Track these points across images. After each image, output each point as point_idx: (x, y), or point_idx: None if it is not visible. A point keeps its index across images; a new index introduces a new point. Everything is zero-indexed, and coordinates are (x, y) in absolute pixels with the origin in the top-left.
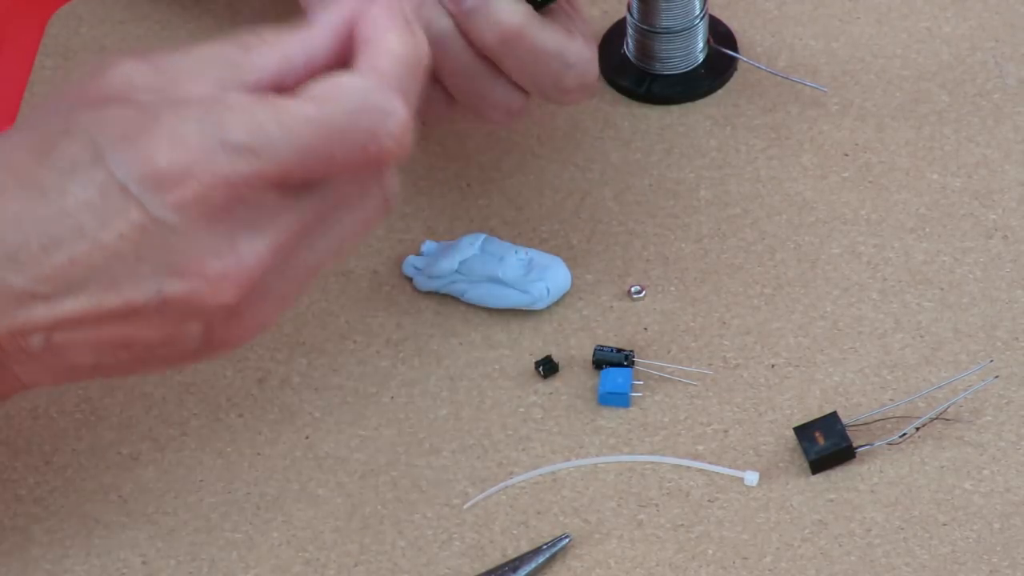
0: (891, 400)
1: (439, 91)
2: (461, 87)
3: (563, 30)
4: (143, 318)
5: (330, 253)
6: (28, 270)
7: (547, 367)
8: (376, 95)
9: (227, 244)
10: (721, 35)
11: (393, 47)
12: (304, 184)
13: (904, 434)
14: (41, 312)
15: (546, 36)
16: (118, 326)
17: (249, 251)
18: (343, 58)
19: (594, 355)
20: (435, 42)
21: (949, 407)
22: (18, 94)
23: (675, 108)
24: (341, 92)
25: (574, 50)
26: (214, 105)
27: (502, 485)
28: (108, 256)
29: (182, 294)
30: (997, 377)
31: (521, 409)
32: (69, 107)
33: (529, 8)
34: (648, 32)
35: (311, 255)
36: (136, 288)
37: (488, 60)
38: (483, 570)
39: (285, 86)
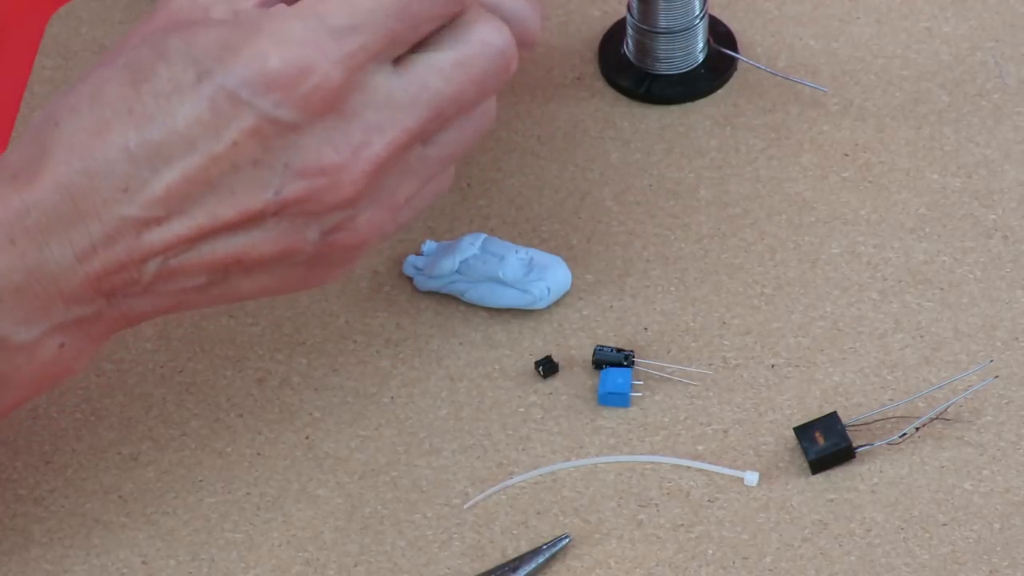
0: (891, 400)
1: None
2: None
3: None
4: (259, 227)
5: (444, 160)
6: (139, 196)
7: (547, 367)
8: None
9: (343, 137)
10: (721, 35)
11: None
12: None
13: (904, 434)
14: (156, 236)
15: None
16: (233, 239)
17: (366, 144)
18: None
19: (594, 355)
20: None
21: (949, 407)
22: (18, 94)
23: (675, 108)
24: None
25: (509, 4)
26: (311, 5)
27: (502, 485)
28: (222, 166)
29: (300, 192)
30: (997, 377)
31: (521, 409)
32: (152, 37)
33: None
34: (648, 32)
35: (425, 159)
36: (252, 195)
37: None
38: (483, 570)
39: None
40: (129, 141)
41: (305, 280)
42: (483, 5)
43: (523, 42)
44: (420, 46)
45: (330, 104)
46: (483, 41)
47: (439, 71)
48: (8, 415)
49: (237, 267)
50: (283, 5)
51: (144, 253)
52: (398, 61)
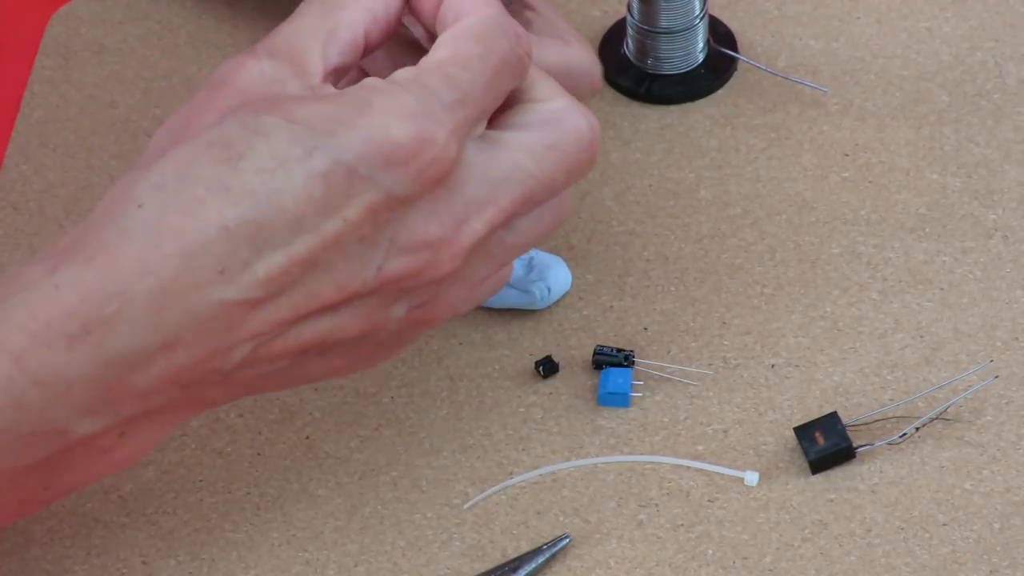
0: (891, 400)
1: None
2: None
3: (558, 40)
4: (351, 306)
5: (519, 247)
6: (238, 279)
7: (547, 367)
8: (509, 21)
9: (447, 210)
10: (721, 35)
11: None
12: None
13: (904, 434)
14: (251, 322)
15: (547, 55)
16: (323, 321)
17: (467, 219)
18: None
19: (594, 355)
20: None
21: (949, 407)
22: (18, 94)
23: (675, 108)
24: (487, 23)
25: (576, 57)
26: (414, 79)
27: (502, 485)
28: (330, 245)
29: (402, 269)
30: (997, 377)
31: (521, 409)
32: (236, 115)
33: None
34: (648, 32)
35: (503, 244)
36: (354, 273)
37: None
38: (483, 570)
39: (371, 39)
40: (228, 220)
41: (370, 359)
42: (553, 59)
43: (596, 89)
44: (497, 122)
45: (443, 177)
46: (576, 129)
47: (531, 153)
48: (58, 499)
49: (318, 350)
50: (378, 79)
51: (235, 340)
52: (481, 136)
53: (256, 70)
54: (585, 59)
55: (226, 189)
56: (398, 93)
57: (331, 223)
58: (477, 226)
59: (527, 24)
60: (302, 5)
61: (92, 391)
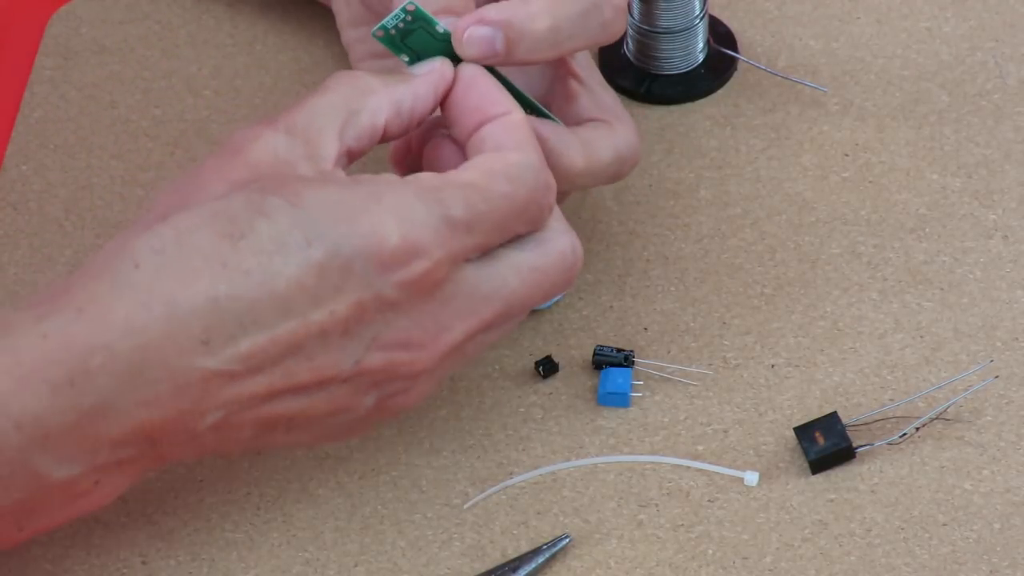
0: (891, 400)
1: None
2: None
3: (604, 125)
4: (325, 391)
5: (489, 344)
6: (220, 351)
7: (547, 367)
8: (544, 172)
9: (432, 319)
10: (721, 35)
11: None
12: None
13: (904, 434)
14: (226, 392)
15: (599, 149)
16: (295, 400)
17: (448, 328)
18: (436, 106)
19: (594, 355)
20: None
21: (949, 407)
22: (18, 94)
23: (675, 108)
24: (523, 165)
25: (623, 143)
26: (433, 190)
27: (502, 485)
28: (313, 333)
29: (378, 364)
30: (997, 377)
31: (521, 409)
32: (243, 192)
33: (580, 141)
34: (648, 32)
35: (478, 343)
36: (333, 362)
37: None
38: (483, 570)
39: (390, 130)
40: (219, 293)
41: (335, 437)
42: (606, 154)
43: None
44: None
45: (431, 291)
46: (560, 252)
47: (517, 272)
48: (30, 538)
49: (286, 425)
50: (396, 176)
51: (208, 406)
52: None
53: (271, 145)
54: (631, 141)
55: (223, 264)
56: (411, 199)
57: (318, 313)
58: (457, 335)
59: (572, 97)
60: (332, 78)
61: (70, 438)
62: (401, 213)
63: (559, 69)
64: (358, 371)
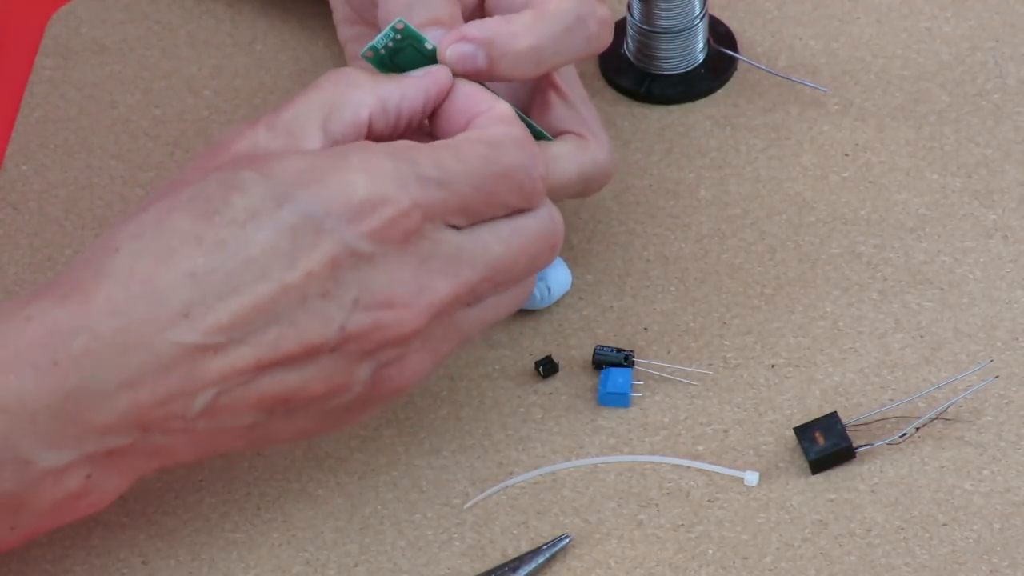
0: (891, 400)
1: None
2: None
3: (575, 140)
4: (315, 362)
5: (482, 323)
6: (201, 323)
7: (547, 367)
8: (530, 144)
9: (412, 274)
10: (721, 35)
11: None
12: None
13: (904, 434)
14: (213, 366)
15: (566, 172)
16: (287, 375)
17: (430, 286)
18: (427, 110)
19: (594, 355)
20: None
21: (949, 407)
22: (18, 94)
23: (675, 108)
24: (504, 135)
25: (589, 163)
26: (403, 147)
27: (502, 485)
28: (291, 296)
29: (364, 326)
30: (997, 377)
31: (521, 409)
32: (218, 173)
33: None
34: (648, 32)
35: (468, 318)
36: (316, 328)
37: None
38: (483, 570)
39: (376, 127)
40: (196, 267)
41: (338, 423)
42: (568, 169)
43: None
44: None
45: (404, 240)
46: (540, 218)
47: (499, 236)
48: (25, 542)
49: (283, 407)
50: (371, 141)
51: (197, 384)
52: (462, 228)
53: (252, 139)
54: (599, 160)
55: (198, 240)
56: (379, 155)
57: (294, 274)
58: (442, 294)
59: (548, 107)
60: (323, 76)
61: (55, 422)
62: (369, 169)
63: (540, 80)
64: (344, 337)
